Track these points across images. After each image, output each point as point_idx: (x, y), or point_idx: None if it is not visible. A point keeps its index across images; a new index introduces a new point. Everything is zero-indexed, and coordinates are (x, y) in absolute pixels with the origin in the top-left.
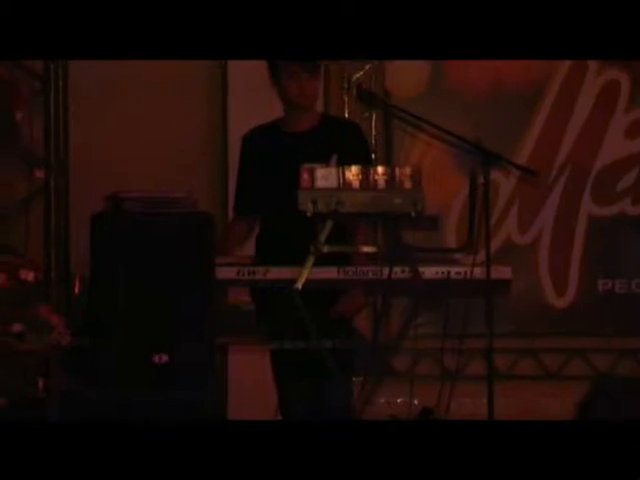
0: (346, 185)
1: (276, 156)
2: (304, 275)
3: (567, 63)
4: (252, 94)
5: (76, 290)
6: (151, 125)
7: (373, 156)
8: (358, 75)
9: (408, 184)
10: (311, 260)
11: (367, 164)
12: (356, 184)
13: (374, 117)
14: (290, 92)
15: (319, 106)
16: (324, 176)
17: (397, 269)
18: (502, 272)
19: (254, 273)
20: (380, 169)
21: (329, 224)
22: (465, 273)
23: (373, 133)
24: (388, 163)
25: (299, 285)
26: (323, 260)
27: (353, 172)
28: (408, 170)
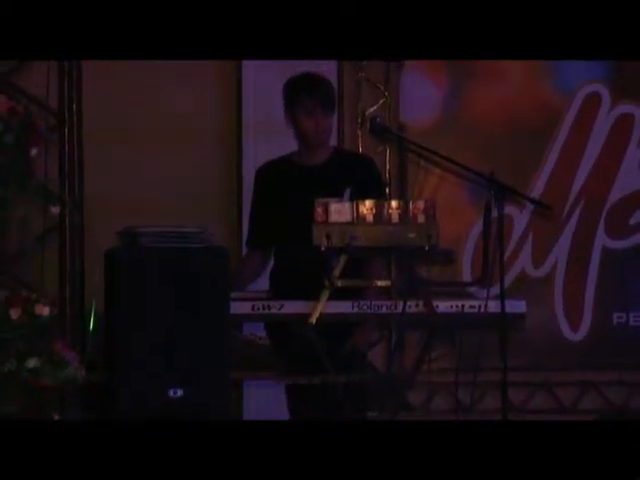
0: (360, 219)
1: (290, 190)
2: (318, 309)
3: (581, 96)
4: (267, 127)
5: (91, 325)
6: (165, 159)
7: (387, 190)
8: (372, 109)
9: (422, 218)
10: (325, 294)
11: (381, 198)
12: (370, 218)
13: (388, 151)
14: (306, 129)
15: (332, 140)
16: (338, 210)
17: (411, 303)
18: (516, 306)
19: (269, 307)
20: (394, 203)
21: (343, 258)
22: (479, 307)
23: (387, 167)
24: (402, 197)
25: (313, 319)
26: (337, 294)
27: (367, 206)
28: (422, 204)
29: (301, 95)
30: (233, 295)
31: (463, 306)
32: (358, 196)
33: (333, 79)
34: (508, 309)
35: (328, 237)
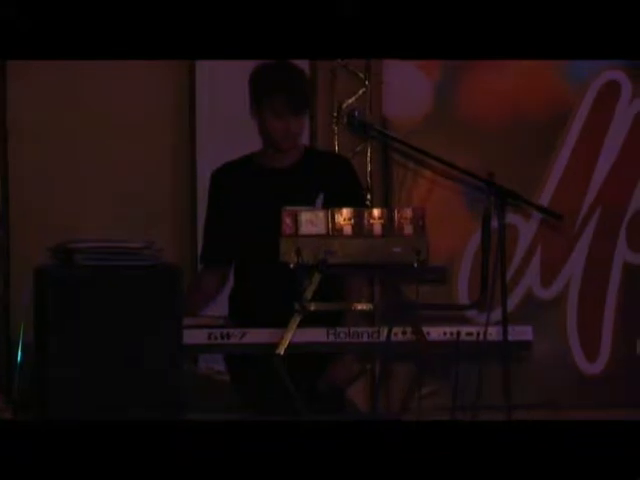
0: (336, 231)
1: (252, 196)
2: (287, 338)
3: (597, 86)
4: (224, 124)
5: (18, 358)
6: (105, 163)
7: (368, 196)
8: (350, 101)
9: (409, 229)
10: (296, 320)
11: (361, 206)
12: (348, 230)
13: (369, 150)
14: (274, 132)
15: (303, 138)
16: (310, 220)
17: (397, 330)
18: (522, 332)
19: (228, 336)
20: (376, 212)
21: (316, 277)
22: (478, 334)
23: (368, 169)
24: (386, 205)
25: (282, 350)
26: (310, 320)
27: (344, 216)
28: (409, 213)
29: (269, 92)
30: (186, 322)
31: (459, 333)
32: (334, 204)
33: (304, 65)
34: (512, 336)
35: (298, 252)
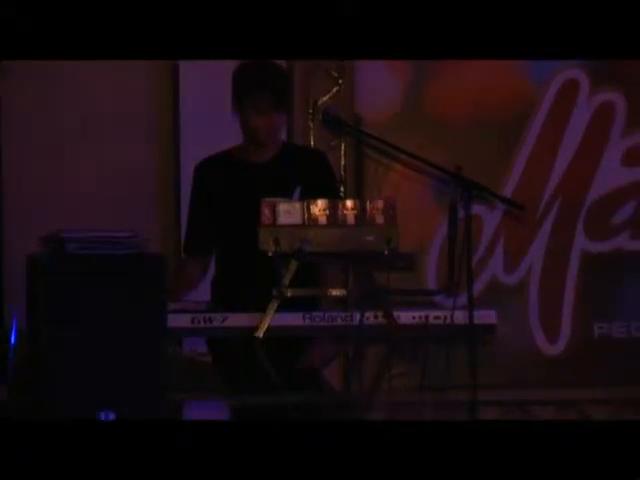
0: (312, 221)
1: (233, 189)
2: (266, 322)
3: (557, 84)
4: (206, 119)
5: (12, 342)
6: (93, 157)
7: (342, 188)
8: (324, 98)
9: (380, 219)
10: (274, 305)
11: (335, 197)
12: (323, 220)
13: (343, 145)
14: (256, 128)
15: (281, 134)
16: (287, 211)
17: (369, 314)
18: (486, 316)
19: (210, 320)
20: (349, 203)
21: (293, 265)
22: (445, 318)
23: (342, 163)
24: (358, 196)
25: (261, 333)
26: (287, 305)
27: (319, 206)
28: (380, 204)
29: (251, 89)
30: (170, 307)
31: (427, 317)
32: (309, 195)
33: (281, 64)
34: (477, 320)
35: (276, 241)
